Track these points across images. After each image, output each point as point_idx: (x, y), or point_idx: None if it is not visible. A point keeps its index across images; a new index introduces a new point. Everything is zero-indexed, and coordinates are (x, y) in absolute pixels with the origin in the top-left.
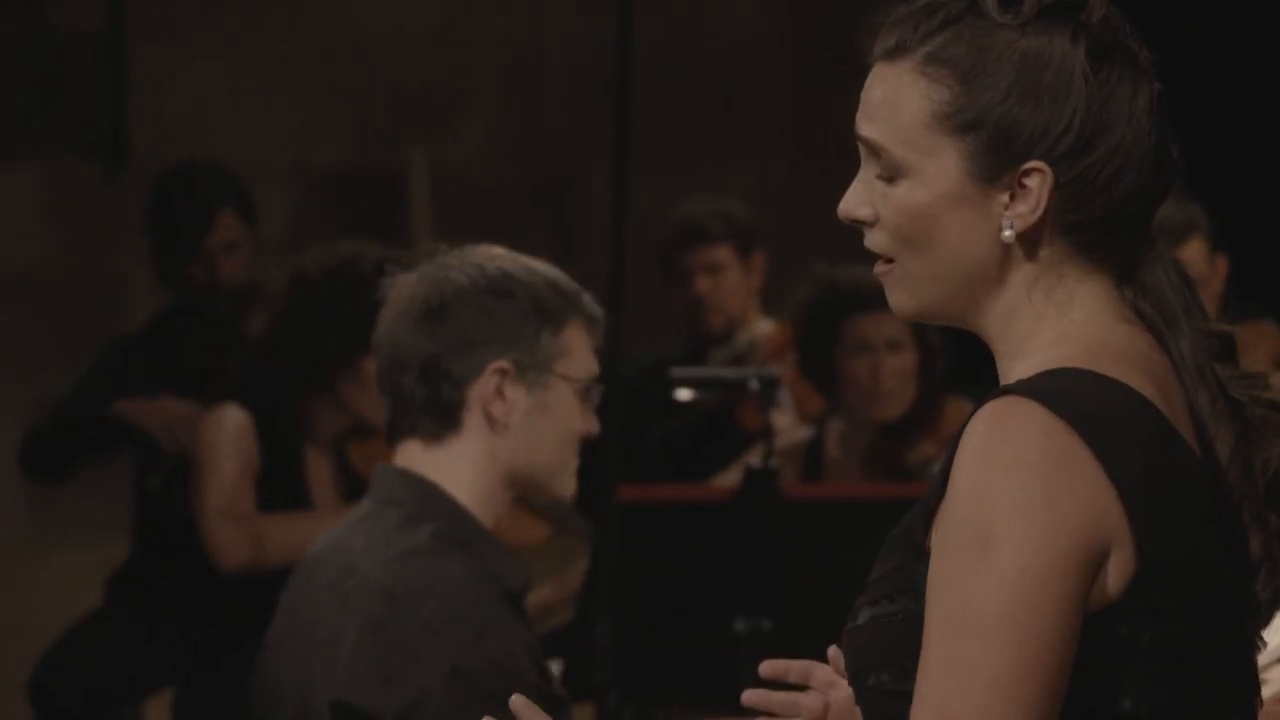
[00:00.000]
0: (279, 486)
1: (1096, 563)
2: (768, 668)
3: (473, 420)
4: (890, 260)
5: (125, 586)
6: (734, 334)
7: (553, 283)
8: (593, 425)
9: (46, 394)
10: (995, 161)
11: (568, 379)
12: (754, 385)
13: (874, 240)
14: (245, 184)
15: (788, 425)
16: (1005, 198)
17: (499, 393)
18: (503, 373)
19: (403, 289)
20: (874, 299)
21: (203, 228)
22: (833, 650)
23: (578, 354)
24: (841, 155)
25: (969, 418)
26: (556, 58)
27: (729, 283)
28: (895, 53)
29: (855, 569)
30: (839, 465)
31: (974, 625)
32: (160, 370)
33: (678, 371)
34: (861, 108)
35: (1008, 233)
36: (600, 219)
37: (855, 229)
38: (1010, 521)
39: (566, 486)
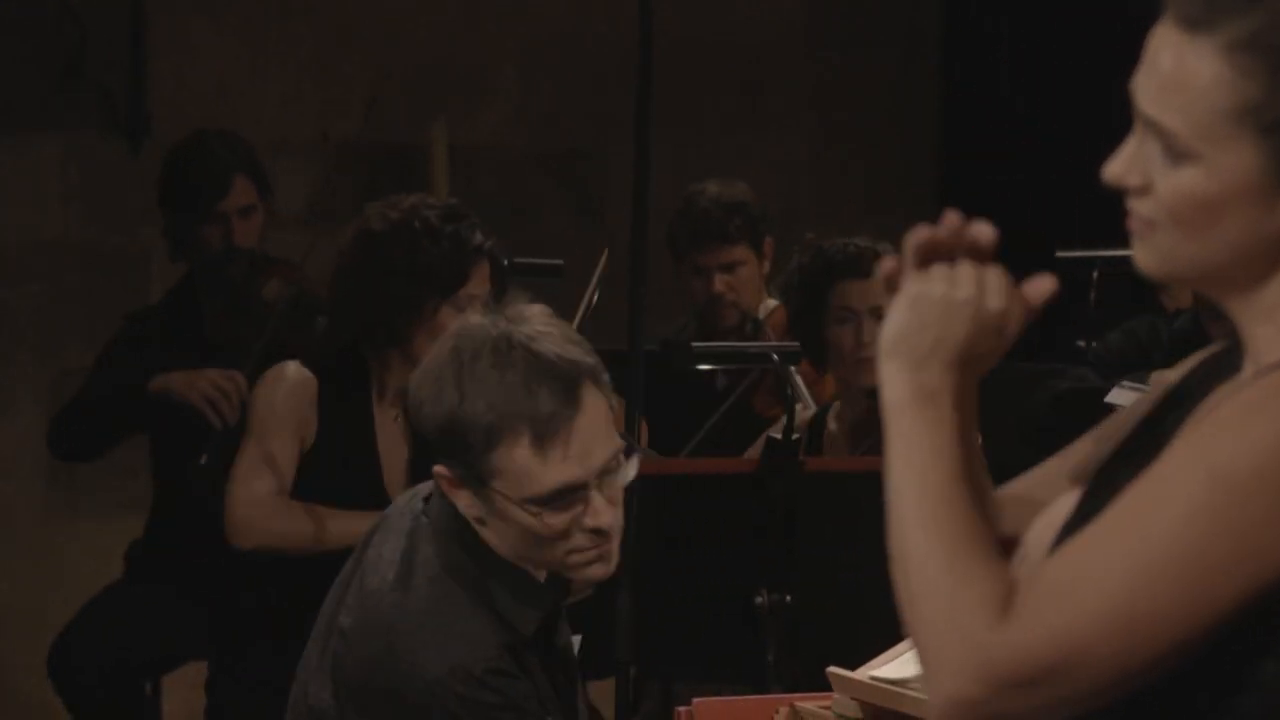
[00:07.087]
0: (347, 443)
1: None
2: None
3: None
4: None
5: (143, 560)
6: (746, 322)
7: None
8: (556, 523)
9: (68, 370)
10: None
11: (506, 496)
12: (776, 357)
13: (1141, 207)
14: (261, 153)
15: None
16: None
17: (453, 491)
18: (445, 478)
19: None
20: (860, 266)
21: (219, 191)
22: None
23: (516, 471)
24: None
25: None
26: (579, 31)
27: (745, 277)
28: (1196, 24)
29: (876, 542)
30: (834, 438)
31: (1166, 554)
32: (178, 340)
33: (699, 345)
34: (1146, 74)
35: None
36: (623, 193)
37: (876, 205)
38: (1264, 494)
39: (566, 572)
